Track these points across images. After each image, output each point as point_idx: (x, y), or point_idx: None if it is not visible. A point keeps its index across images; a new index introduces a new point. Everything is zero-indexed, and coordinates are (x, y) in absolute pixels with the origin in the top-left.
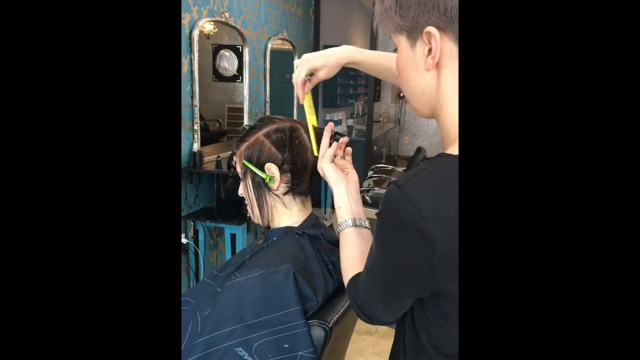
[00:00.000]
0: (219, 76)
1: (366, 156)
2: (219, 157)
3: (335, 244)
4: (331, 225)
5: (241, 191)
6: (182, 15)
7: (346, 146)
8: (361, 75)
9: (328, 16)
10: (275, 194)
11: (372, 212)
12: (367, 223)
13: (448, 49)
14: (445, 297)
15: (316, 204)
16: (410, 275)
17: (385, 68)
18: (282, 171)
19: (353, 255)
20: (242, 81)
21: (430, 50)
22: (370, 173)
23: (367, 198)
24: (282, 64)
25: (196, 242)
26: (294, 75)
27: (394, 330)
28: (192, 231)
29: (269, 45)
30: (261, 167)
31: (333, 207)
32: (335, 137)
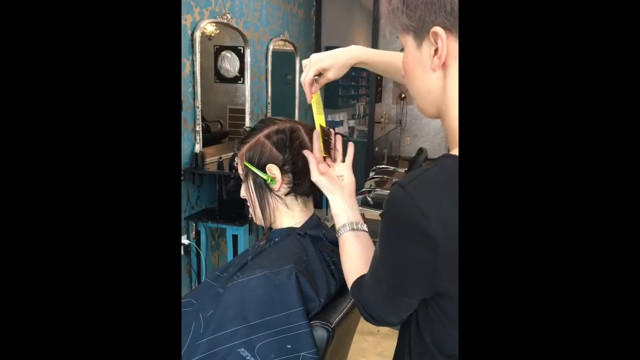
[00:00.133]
0: (220, 77)
1: (368, 157)
2: (220, 158)
3: (337, 244)
4: (333, 226)
5: (243, 193)
6: (184, 16)
7: (343, 142)
8: (363, 76)
9: (329, 17)
10: (277, 195)
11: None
12: (364, 226)
13: (454, 49)
14: (448, 297)
15: (317, 204)
16: (414, 275)
17: (394, 67)
18: (283, 172)
19: (353, 258)
20: (243, 82)
21: (436, 51)
22: (371, 174)
23: (369, 199)
24: (283, 65)
25: (198, 243)
26: (302, 75)
27: (396, 331)
28: (194, 232)
29: (271, 47)
30: (262, 169)
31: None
32: (329, 139)
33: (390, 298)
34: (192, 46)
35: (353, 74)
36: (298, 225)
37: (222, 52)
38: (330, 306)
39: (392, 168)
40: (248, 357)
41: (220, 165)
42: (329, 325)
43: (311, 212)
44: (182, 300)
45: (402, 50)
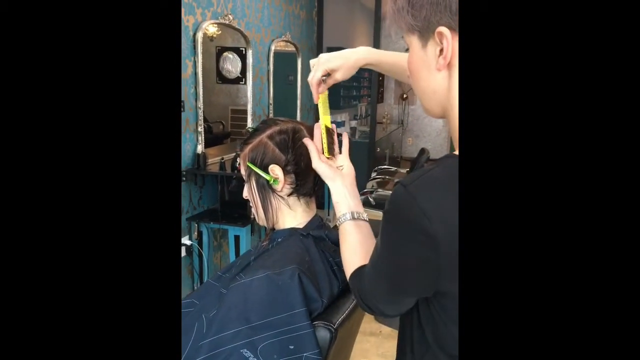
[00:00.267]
0: (222, 78)
1: (369, 157)
2: (222, 159)
3: (339, 244)
4: (335, 227)
5: (245, 193)
6: (186, 17)
7: (339, 135)
8: (364, 76)
9: (331, 18)
10: (279, 196)
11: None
12: (365, 216)
13: None
14: (449, 297)
15: (319, 205)
16: (415, 274)
17: (401, 68)
18: (286, 172)
19: (354, 248)
20: (245, 83)
21: (441, 51)
22: (373, 174)
23: (371, 199)
24: (285, 65)
25: (200, 243)
26: (310, 75)
27: (398, 332)
28: (196, 233)
29: (273, 47)
30: (265, 169)
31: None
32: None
33: (390, 293)
34: (194, 47)
35: (355, 74)
36: (301, 226)
37: (224, 53)
38: (333, 307)
39: (394, 168)
40: (251, 358)
41: (222, 166)
42: (331, 326)
43: (314, 213)
44: (185, 301)
45: (407, 50)
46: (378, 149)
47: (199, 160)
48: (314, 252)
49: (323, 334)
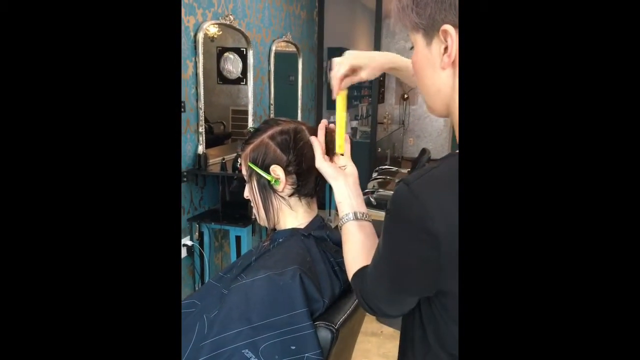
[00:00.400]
0: (223, 79)
1: (370, 158)
2: (223, 159)
3: (341, 245)
4: (336, 227)
5: (247, 193)
6: (187, 18)
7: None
8: None
9: (332, 18)
10: (280, 196)
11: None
12: (368, 216)
13: None
14: (451, 296)
15: (321, 205)
16: (416, 273)
17: None
18: (287, 173)
19: (356, 248)
20: (246, 84)
21: (446, 49)
22: (374, 175)
23: (372, 200)
24: (286, 66)
25: (201, 244)
26: (334, 70)
27: (399, 332)
28: (197, 233)
29: (273, 48)
30: (266, 169)
31: (337, 209)
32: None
33: (392, 293)
34: (195, 48)
35: None
36: (302, 226)
37: (225, 54)
38: (334, 307)
39: (395, 169)
40: (252, 359)
41: (223, 166)
42: (333, 326)
43: (315, 213)
44: (186, 301)
45: (411, 49)
46: (379, 149)
47: (200, 161)
48: (315, 252)
49: (324, 334)
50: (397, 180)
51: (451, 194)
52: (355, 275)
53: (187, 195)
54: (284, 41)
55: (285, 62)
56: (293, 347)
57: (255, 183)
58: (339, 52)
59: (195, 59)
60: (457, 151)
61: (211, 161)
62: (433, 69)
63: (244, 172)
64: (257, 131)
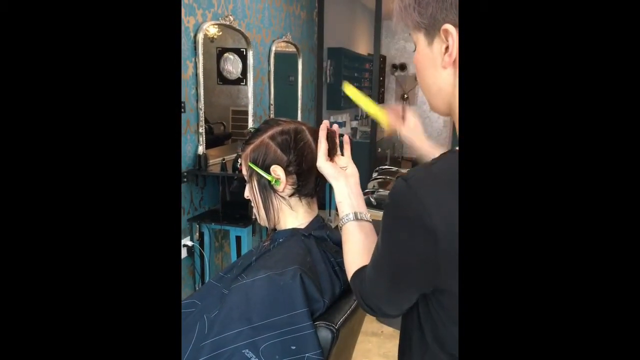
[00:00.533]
0: (223, 79)
1: (370, 158)
2: (223, 159)
3: (341, 245)
4: (336, 227)
5: (247, 194)
6: (187, 18)
7: (341, 136)
8: (365, 77)
9: (332, 18)
10: (281, 196)
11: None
12: (368, 216)
13: None
14: (448, 294)
15: (321, 206)
16: (415, 269)
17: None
18: (287, 173)
19: (356, 249)
20: (246, 84)
21: (447, 48)
22: (374, 175)
23: (372, 200)
24: (286, 66)
25: (202, 244)
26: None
27: (399, 332)
28: (197, 233)
29: (273, 48)
30: (267, 170)
31: (337, 209)
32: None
33: (390, 290)
34: (195, 48)
35: (355, 74)
36: (302, 226)
37: (225, 54)
38: (335, 307)
39: (395, 169)
40: (252, 359)
41: (223, 166)
42: (333, 326)
43: (315, 213)
44: (186, 301)
45: (413, 51)
46: (379, 149)
47: (200, 161)
48: (316, 252)
49: (325, 334)
50: (396, 176)
51: (449, 191)
52: (355, 275)
53: (187, 195)
54: (283, 41)
55: (285, 63)
56: (293, 347)
57: (255, 183)
58: (338, 52)
59: (195, 59)
60: (457, 148)
61: (211, 161)
62: (434, 68)
63: (244, 172)
64: (258, 131)
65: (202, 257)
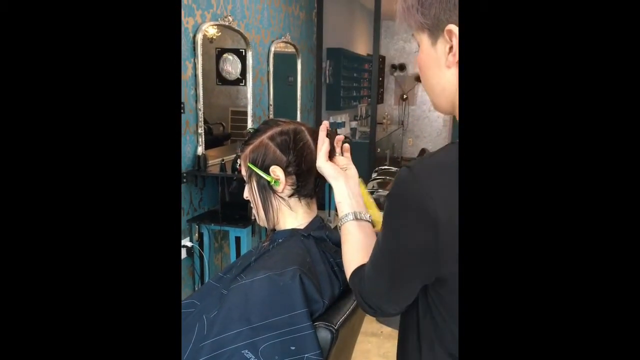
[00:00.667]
0: (222, 80)
1: (370, 158)
2: (223, 160)
3: (340, 245)
4: (336, 227)
5: (246, 194)
6: (186, 19)
7: (343, 143)
8: (364, 77)
9: (331, 19)
10: (280, 197)
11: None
12: (367, 216)
13: None
14: (447, 286)
15: (320, 206)
16: (416, 256)
17: None
18: (287, 173)
19: (355, 248)
20: (245, 84)
21: (451, 48)
22: (374, 175)
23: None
24: (285, 66)
25: (201, 245)
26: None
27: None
28: (197, 234)
29: (272, 49)
30: (266, 170)
31: (336, 209)
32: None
33: (390, 286)
34: (194, 49)
35: (355, 74)
36: (301, 227)
37: (224, 55)
38: (334, 307)
39: (394, 169)
40: (252, 359)
41: (222, 167)
42: (332, 327)
43: (315, 214)
44: (185, 302)
45: (416, 51)
46: (378, 150)
47: (200, 162)
48: (315, 252)
49: (324, 334)
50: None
51: (453, 179)
52: (354, 273)
53: (187, 196)
54: (283, 42)
55: (284, 63)
56: (293, 348)
57: (254, 184)
58: (338, 52)
59: (194, 60)
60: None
61: (210, 162)
62: (438, 68)
63: (243, 172)
64: (257, 132)
65: (201, 257)
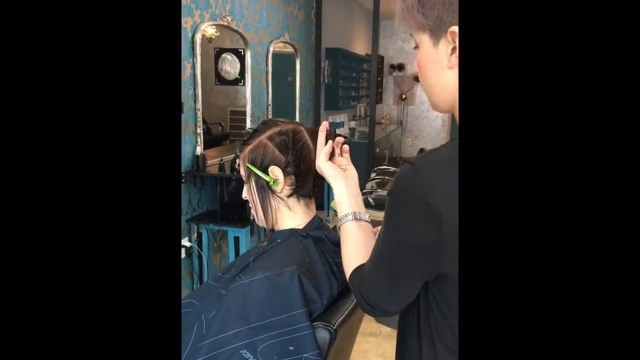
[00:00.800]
0: (221, 80)
1: (369, 158)
2: (221, 160)
3: (339, 245)
4: (334, 227)
5: (245, 194)
6: (185, 19)
7: (343, 144)
8: (363, 77)
9: (329, 19)
10: (279, 197)
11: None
12: (367, 217)
13: None
14: (449, 283)
15: (319, 206)
16: (418, 253)
17: None
18: (285, 174)
19: (355, 247)
20: (244, 84)
21: (454, 49)
22: (373, 175)
23: (370, 200)
24: (284, 66)
25: (200, 245)
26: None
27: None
28: (195, 234)
29: (271, 49)
30: (265, 170)
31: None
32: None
33: (391, 282)
34: (193, 49)
35: (353, 74)
36: (300, 227)
37: (223, 55)
38: (333, 307)
39: (393, 169)
40: (250, 359)
41: (221, 167)
42: (331, 327)
43: (313, 214)
44: (184, 301)
45: (415, 48)
46: (377, 150)
47: (198, 162)
48: (314, 252)
49: (323, 334)
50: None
51: (454, 174)
52: (353, 273)
53: (186, 196)
54: (281, 42)
55: (283, 63)
56: (291, 348)
57: (253, 184)
58: (336, 52)
59: (193, 60)
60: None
61: (209, 162)
62: (439, 69)
63: (242, 173)
64: (256, 132)
65: (200, 257)
